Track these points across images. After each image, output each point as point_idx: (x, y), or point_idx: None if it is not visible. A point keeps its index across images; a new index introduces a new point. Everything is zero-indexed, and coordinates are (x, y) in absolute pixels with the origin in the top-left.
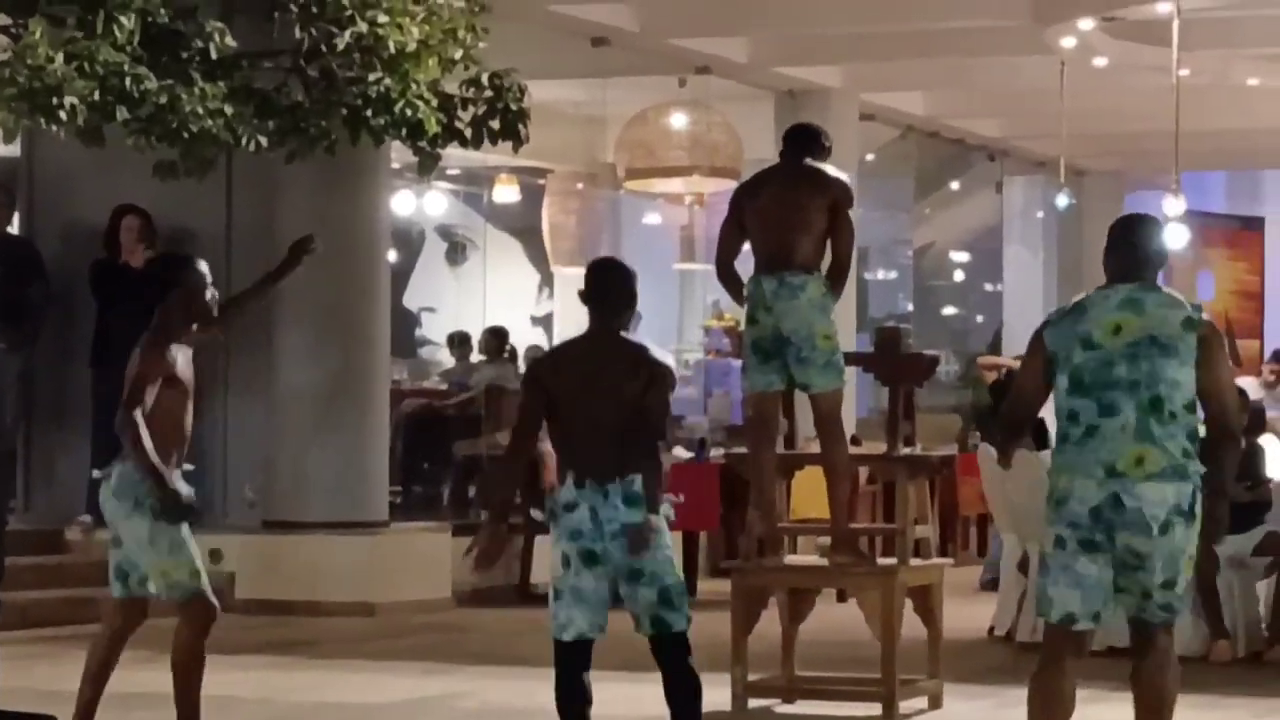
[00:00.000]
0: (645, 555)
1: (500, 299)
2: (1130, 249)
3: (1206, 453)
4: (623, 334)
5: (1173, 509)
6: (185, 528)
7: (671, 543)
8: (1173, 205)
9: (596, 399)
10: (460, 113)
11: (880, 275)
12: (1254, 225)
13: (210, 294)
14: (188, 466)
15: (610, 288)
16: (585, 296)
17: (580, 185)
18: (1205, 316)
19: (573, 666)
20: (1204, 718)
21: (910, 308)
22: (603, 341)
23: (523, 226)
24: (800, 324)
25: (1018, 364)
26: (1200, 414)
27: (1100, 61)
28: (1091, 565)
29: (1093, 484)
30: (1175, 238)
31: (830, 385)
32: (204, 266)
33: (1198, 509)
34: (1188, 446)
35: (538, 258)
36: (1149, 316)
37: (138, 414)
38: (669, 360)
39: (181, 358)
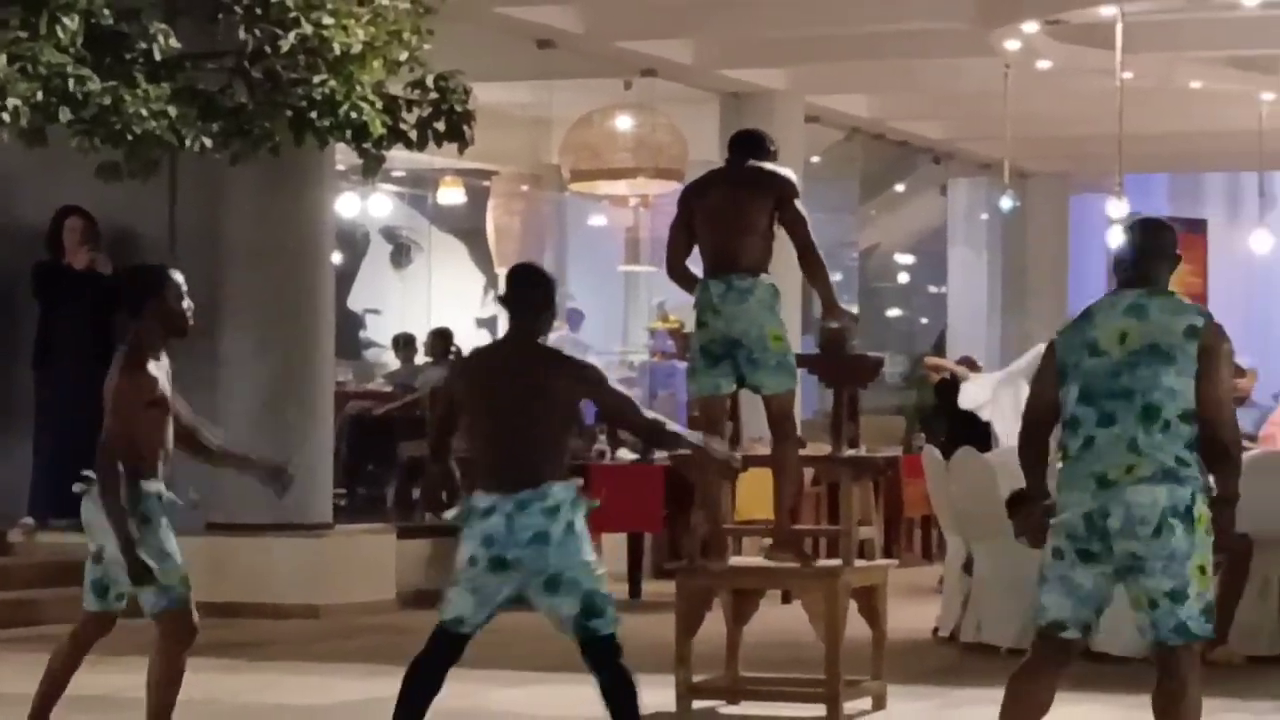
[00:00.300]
0: (562, 557)
1: (445, 301)
2: (1138, 254)
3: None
4: (540, 340)
5: (1166, 510)
6: (173, 538)
7: (588, 542)
8: (1116, 208)
9: (511, 405)
10: (405, 114)
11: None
12: (1197, 228)
13: (186, 304)
14: (193, 495)
15: (529, 294)
16: (504, 302)
17: (525, 187)
18: (1213, 324)
19: (437, 650)
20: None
21: (855, 309)
22: (519, 347)
23: (468, 228)
24: (750, 325)
25: (961, 368)
26: (1194, 425)
27: (1044, 64)
28: (1087, 575)
29: (1086, 496)
30: (1117, 241)
31: (782, 386)
32: (179, 276)
33: (1198, 513)
34: (1182, 455)
35: (482, 260)
36: (1152, 323)
37: (119, 466)
38: (588, 359)
39: (161, 375)
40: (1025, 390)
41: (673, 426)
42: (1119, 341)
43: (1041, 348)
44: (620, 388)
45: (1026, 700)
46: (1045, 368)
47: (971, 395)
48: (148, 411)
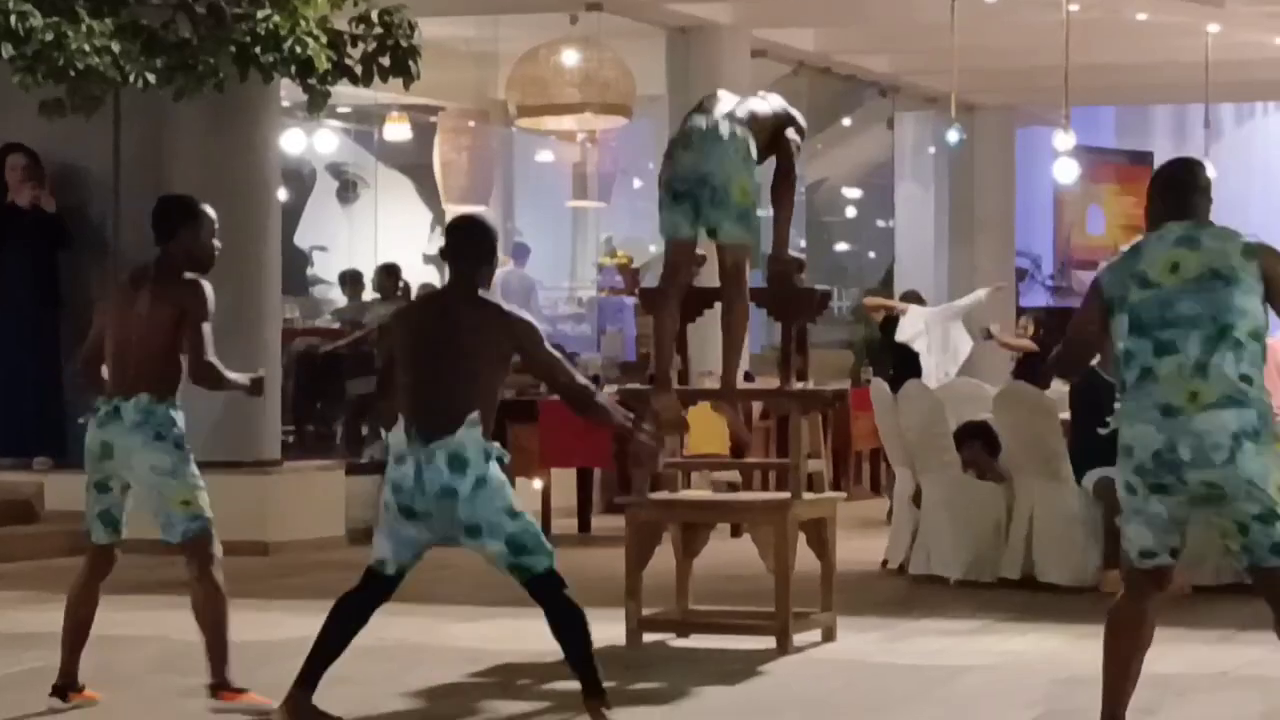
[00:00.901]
0: (471, 510)
1: (392, 237)
2: (1179, 189)
3: None
4: (480, 292)
5: (1235, 434)
6: (194, 467)
7: (504, 488)
8: (1063, 140)
9: (440, 354)
10: (350, 49)
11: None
12: (1143, 160)
13: (216, 242)
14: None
15: (470, 246)
16: (444, 253)
17: (472, 123)
18: (1265, 245)
19: (365, 589)
20: (1091, 649)
21: (803, 244)
22: (457, 298)
23: (414, 164)
24: (719, 168)
25: (900, 303)
26: (1264, 344)
27: None
28: (1162, 506)
29: (1151, 428)
30: (1065, 172)
31: (739, 238)
32: (212, 212)
33: (1270, 432)
34: (1248, 373)
35: (430, 196)
36: (1206, 251)
37: (215, 361)
38: (526, 315)
39: None
40: (957, 330)
41: (601, 399)
42: (1171, 271)
43: (981, 292)
44: (553, 350)
45: (1131, 633)
46: (1088, 303)
47: (906, 329)
48: (176, 334)
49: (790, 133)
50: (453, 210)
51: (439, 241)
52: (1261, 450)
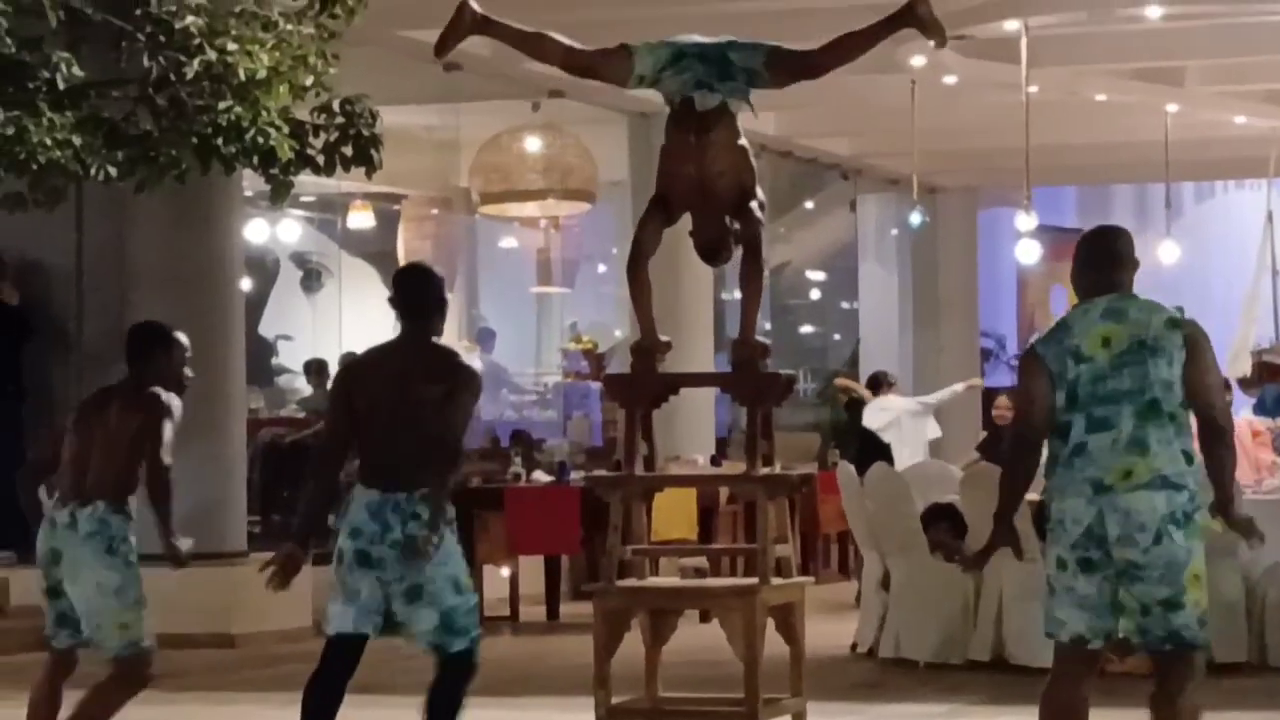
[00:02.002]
0: (423, 567)
1: (357, 325)
2: (1102, 262)
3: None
4: (434, 340)
5: (1164, 518)
6: (141, 586)
7: (458, 559)
8: (1025, 221)
9: (398, 406)
10: (312, 139)
11: (737, 294)
12: None
13: (188, 370)
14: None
15: (418, 293)
16: (394, 303)
17: (435, 210)
18: (1188, 318)
19: (331, 660)
20: None
21: (768, 326)
22: (411, 347)
23: (378, 252)
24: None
25: (863, 390)
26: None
27: (950, 79)
28: (1091, 584)
29: (1082, 502)
30: (1027, 253)
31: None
32: (185, 339)
33: (1197, 519)
34: (1188, 449)
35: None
36: (1132, 323)
37: (169, 464)
38: (477, 365)
39: None
40: (930, 423)
41: (448, 476)
42: (1102, 346)
43: (959, 386)
44: (469, 417)
45: (1067, 710)
46: (1035, 377)
47: (877, 417)
48: (138, 443)
49: (754, 205)
50: None
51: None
52: (1187, 537)
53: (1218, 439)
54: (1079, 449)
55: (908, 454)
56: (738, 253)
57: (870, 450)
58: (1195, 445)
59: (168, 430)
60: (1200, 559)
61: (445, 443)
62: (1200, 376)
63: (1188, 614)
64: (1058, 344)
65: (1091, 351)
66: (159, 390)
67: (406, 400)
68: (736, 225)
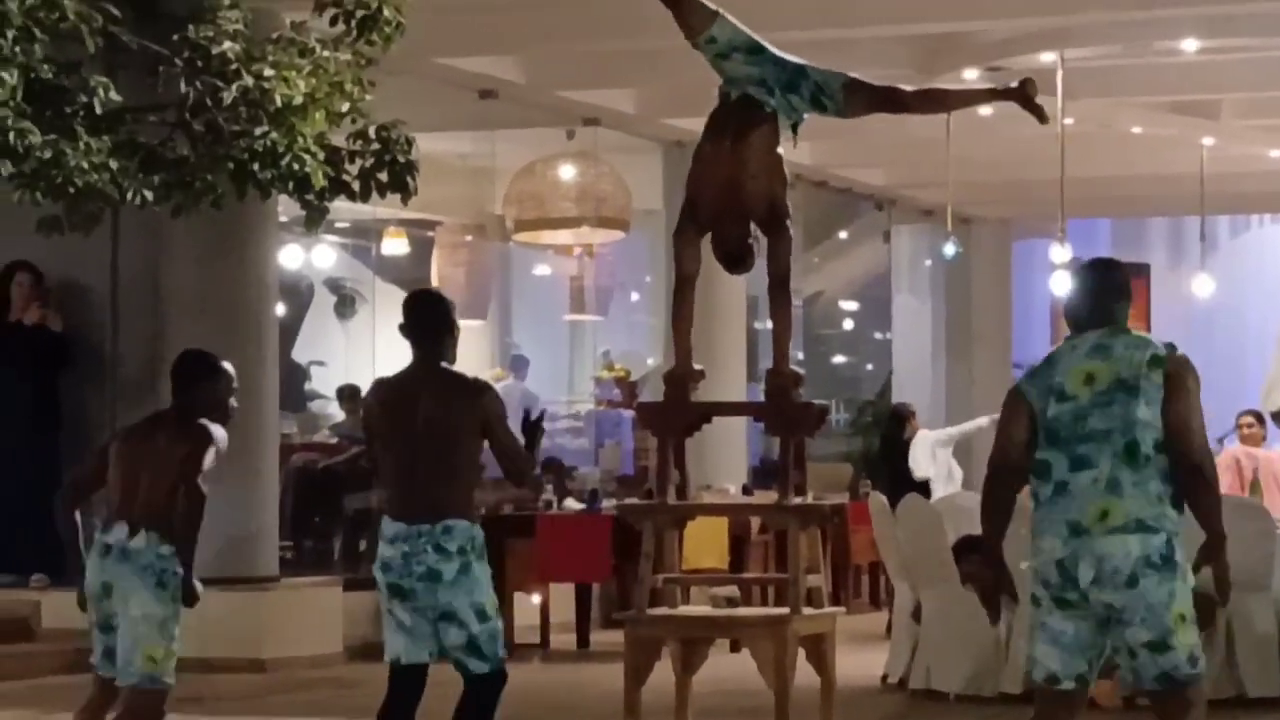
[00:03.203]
0: (459, 592)
1: (390, 351)
2: (1093, 295)
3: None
4: (444, 365)
5: (1139, 560)
6: (179, 624)
7: (484, 585)
8: (1059, 253)
9: (418, 435)
10: (348, 165)
11: (770, 325)
12: (1139, 272)
13: (233, 401)
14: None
15: (428, 318)
16: (405, 330)
17: (469, 237)
18: (1177, 354)
19: (396, 690)
20: None
21: (801, 356)
22: (424, 374)
23: (412, 279)
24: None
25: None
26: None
27: (986, 111)
28: (1068, 623)
29: (1059, 543)
30: (1061, 285)
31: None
32: (231, 369)
33: (1177, 560)
34: (1161, 492)
35: None
36: (1117, 360)
37: (204, 492)
38: (491, 383)
39: None
40: (950, 456)
41: (534, 484)
42: (1085, 383)
43: (982, 421)
44: (511, 431)
45: None
46: (1015, 414)
47: (922, 464)
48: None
49: (787, 224)
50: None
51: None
52: (1164, 579)
53: (1193, 479)
54: (1060, 488)
55: (940, 491)
56: (764, 271)
57: (904, 480)
58: (1166, 487)
59: (209, 459)
60: (1184, 599)
61: (514, 459)
62: (1177, 415)
63: (1176, 655)
64: (1043, 380)
65: (1074, 390)
66: (206, 423)
67: (424, 428)
68: (765, 238)
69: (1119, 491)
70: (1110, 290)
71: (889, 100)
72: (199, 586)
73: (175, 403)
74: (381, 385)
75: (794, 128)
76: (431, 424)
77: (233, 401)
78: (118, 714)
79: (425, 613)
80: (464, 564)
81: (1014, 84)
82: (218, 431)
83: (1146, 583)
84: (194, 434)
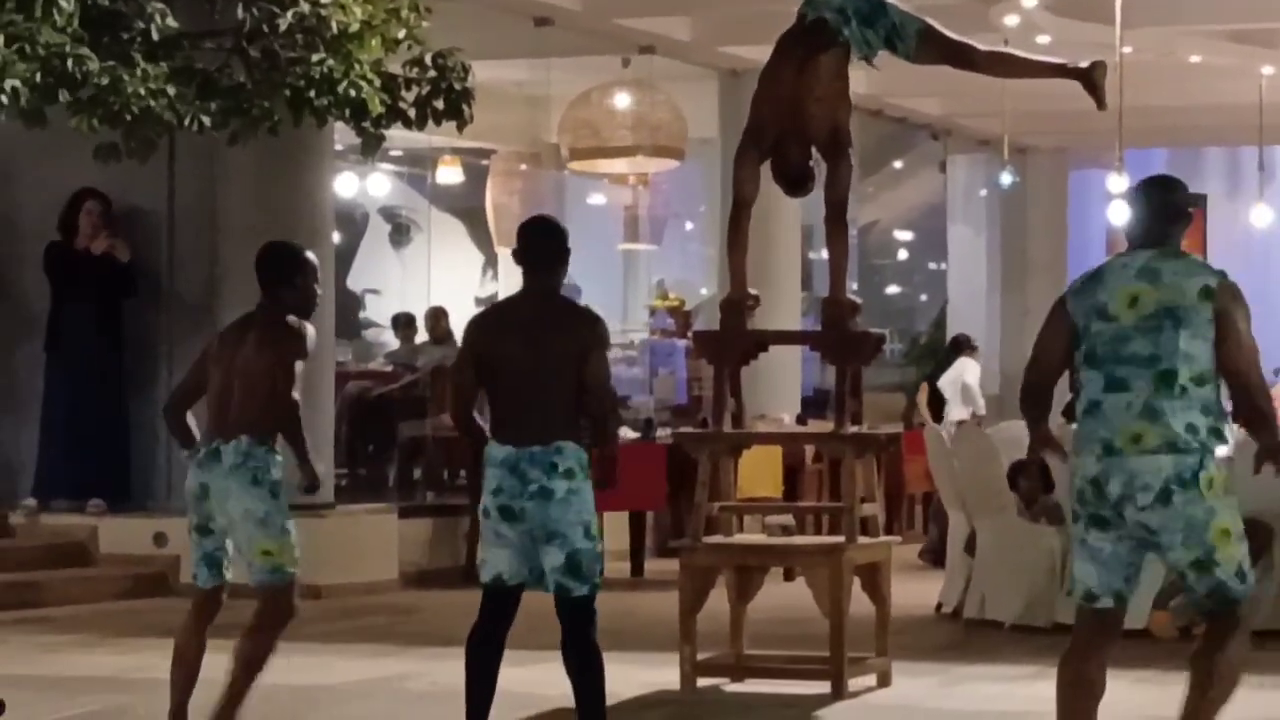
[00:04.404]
0: (569, 510)
1: (444, 280)
2: (1148, 212)
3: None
4: (557, 293)
5: (1171, 478)
6: (287, 518)
7: (591, 507)
8: (1116, 183)
9: (529, 360)
10: (404, 93)
11: (824, 254)
12: (1196, 202)
13: (318, 289)
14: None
15: (543, 246)
16: (519, 257)
17: (524, 166)
18: (1227, 282)
19: (489, 612)
20: (1142, 694)
21: (855, 286)
22: (538, 301)
23: (466, 207)
24: None
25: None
26: (1214, 386)
27: (1043, 39)
28: (1104, 541)
29: (1092, 460)
30: (1119, 215)
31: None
32: (314, 259)
33: (1212, 479)
34: (1194, 421)
35: (482, 239)
36: (1164, 287)
37: (298, 401)
38: (601, 318)
39: None
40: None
41: (614, 428)
42: (1129, 305)
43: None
44: (609, 369)
45: (1078, 682)
46: (1055, 329)
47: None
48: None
49: (850, 151)
50: (505, 253)
51: (491, 284)
52: (1201, 500)
53: (1255, 418)
54: (1093, 407)
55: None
56: (819, 200)
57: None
58: (1202, 419)
59: (299, 367)
60: (1225, 514)
61: (600, 396)
62: (1231, 352)
63: (1224, 570)
64: (1088, 296)
65: (1117, 311)
66: (294, 322)
67: (535, 353)
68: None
69: (1153, 418)
70: (1167, 209)
71: (959, 55)
72: (319, 470)
73: (263, 299)
74: (491, 311)
75: (866, 59)
76: (544, 350)
77: (317, 289)
78: (252, 622)
79: (532, 533)
80: (574, 484)
81: (1084, 64)
82: (306, 330)
83: (1179, 499)
84: (282, 341)
